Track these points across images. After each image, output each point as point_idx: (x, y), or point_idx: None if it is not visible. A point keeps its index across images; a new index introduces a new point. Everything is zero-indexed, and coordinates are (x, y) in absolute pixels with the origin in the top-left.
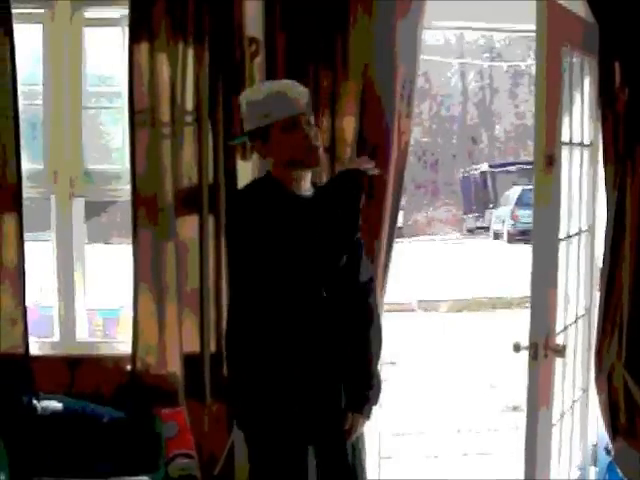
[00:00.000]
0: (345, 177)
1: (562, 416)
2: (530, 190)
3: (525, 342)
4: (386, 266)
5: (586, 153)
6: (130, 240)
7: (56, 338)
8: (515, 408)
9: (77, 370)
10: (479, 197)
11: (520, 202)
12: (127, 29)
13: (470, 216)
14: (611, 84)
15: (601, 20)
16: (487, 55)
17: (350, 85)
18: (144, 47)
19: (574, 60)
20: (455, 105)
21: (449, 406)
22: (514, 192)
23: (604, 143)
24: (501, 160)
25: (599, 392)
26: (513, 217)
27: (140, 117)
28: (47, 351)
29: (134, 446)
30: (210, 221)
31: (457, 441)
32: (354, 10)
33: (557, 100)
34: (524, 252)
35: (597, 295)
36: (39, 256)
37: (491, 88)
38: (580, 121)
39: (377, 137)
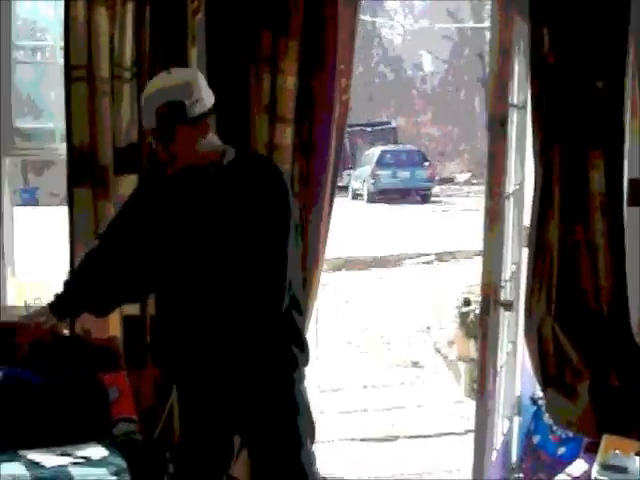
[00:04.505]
0: None
1: (501, 368)
2: (388, 151)
3: (473, 297)
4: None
5: (518, 114)
6: None
7: None
8: (415, 364)
9: (11, 336)
10: None
11: (380, 162)
12: None
13: None
14: (540, 49)
15: None
16: None
17: (291, 44)
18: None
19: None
20: None
21: (351, 363)
22: (373, 152)
23: (532, 106)
24: (354, 121)
25: (529, 345)
26: (373, 176)
27: (76, 72)
28: None
29: (81, 413)
30: None
31: (365, 396)
32: None
33: (509, 65)
34: (388, 212)
35: (524, 252)
36: None
37: None
38: (517, 84)
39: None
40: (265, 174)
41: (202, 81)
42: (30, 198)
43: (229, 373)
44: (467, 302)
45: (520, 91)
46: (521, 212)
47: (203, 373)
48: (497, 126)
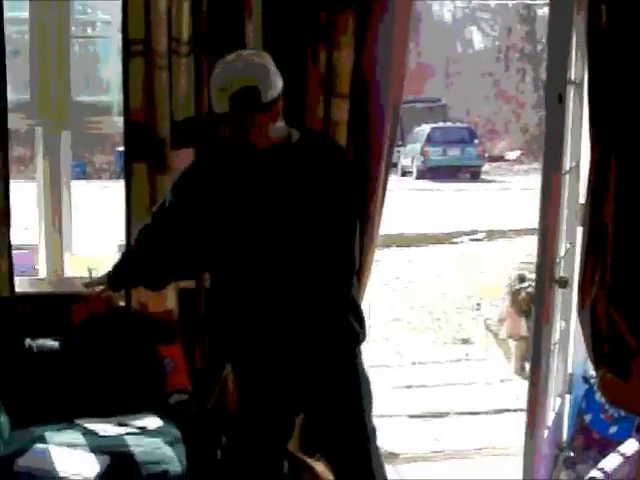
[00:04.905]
0: None
1: (554, 346)
2: (438, 129)
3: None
4: (383, 201)
5: (576, 91)
6: None
7: (42, 275)
8: (465, 341)
9: (69, 307)
10: None
11: (430, 140)
12: None
13: None
14: (597, 25)
15: None
16: None
17: (348, 20)
18: None
19: None
20: None
21: (401, 339)
22: (424, 129)
23: (589, 83)
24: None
25: (582, 323)
26: (423, 153)
27: (134, 47)
28: (36, 289)
29: (138, 383)
30: None
31: (414, 373)
32: None
33: (567, 41)
34: (437, 189)
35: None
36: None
37: None
38: (574, 60)
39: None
40: (335, 156)
41: (273, 65)
42: (81, 172)
43: (293, 354)
44: (522, 279)
45: (577, 67)
46: (577, 190)
47: (266, 356)
48: (555, 102)
